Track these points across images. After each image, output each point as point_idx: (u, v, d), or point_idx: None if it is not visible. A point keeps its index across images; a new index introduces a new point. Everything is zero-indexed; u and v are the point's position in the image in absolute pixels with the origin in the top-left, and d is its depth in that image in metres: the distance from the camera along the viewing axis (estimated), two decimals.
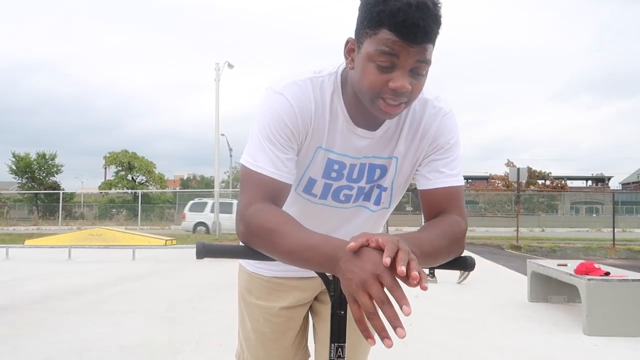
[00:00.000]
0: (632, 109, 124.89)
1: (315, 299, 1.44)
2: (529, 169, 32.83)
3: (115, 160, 44.25)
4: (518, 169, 17.35)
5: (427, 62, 0.98)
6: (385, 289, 0.79)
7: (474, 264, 1.09)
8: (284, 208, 1.11)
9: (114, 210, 38.02)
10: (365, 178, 1.20)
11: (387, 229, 17.02)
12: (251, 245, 1.03)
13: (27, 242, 13.12)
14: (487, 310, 5.09)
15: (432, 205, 1.15)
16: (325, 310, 1.34)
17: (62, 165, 43.75)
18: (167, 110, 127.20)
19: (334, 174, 1.18)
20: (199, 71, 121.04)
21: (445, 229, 1.06)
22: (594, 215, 41.85)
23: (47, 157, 42.46)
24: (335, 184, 1.20)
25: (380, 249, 0.82)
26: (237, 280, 1.48)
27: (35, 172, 42.02)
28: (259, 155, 1.07)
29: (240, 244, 1.08)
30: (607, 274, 4.28)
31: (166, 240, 12.61)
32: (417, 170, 1.19)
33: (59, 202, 28.58)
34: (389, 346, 0.77)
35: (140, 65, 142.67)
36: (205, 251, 1.00)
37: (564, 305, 5.28)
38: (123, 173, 44.74)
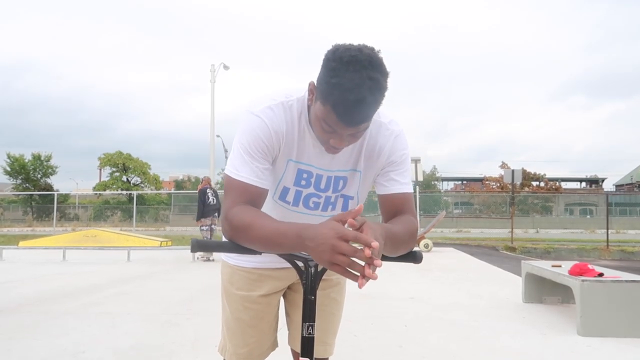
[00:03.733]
0: (626, 110, 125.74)
1: (290, 288, 1.66)
2: (524, 170, 32.95)
3: (109, 161, 44.09)
4: (512, 170, 17.43)
5: (362, 131, 1.21)
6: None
7: (422, 257, 1.29)
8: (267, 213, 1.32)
9: (108, 211, 37.88)
10: (331, 188, 1.42)
11: None
12: (235, 239, 1.22)
13: (22, 243, 13.08)
14: (482, 312, 5.11)
15: (389, 207, 1.39)
16: (299, 297, 1.48)
17: (57, 167, 43.59)
18: (162, 112, 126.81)
19: (303, 182, 1.40)
20: (194, 72, 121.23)
21: (406, 225, 1.30)
22: (588, 216, 42.01)
23: (42, 159, 42.27)
24: (305, 191, 1.41)
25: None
26: (220, 276, 1.65)
27: (30, 173, 41.81)
28: (241, 166, 1.28)
29: (224, 239, 1.27)
30: (601, 274, 4.31)
31: (161, 242, 12.59)
32: (375, 180, 1.43)
33: (53, 204, 28.38)
34: (375, 278, 0.97)
35: (135, 66, 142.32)
36: (198, 246, 1.19)
37: (558, 306, 5.30)
38: (118, 174, 44.59)
